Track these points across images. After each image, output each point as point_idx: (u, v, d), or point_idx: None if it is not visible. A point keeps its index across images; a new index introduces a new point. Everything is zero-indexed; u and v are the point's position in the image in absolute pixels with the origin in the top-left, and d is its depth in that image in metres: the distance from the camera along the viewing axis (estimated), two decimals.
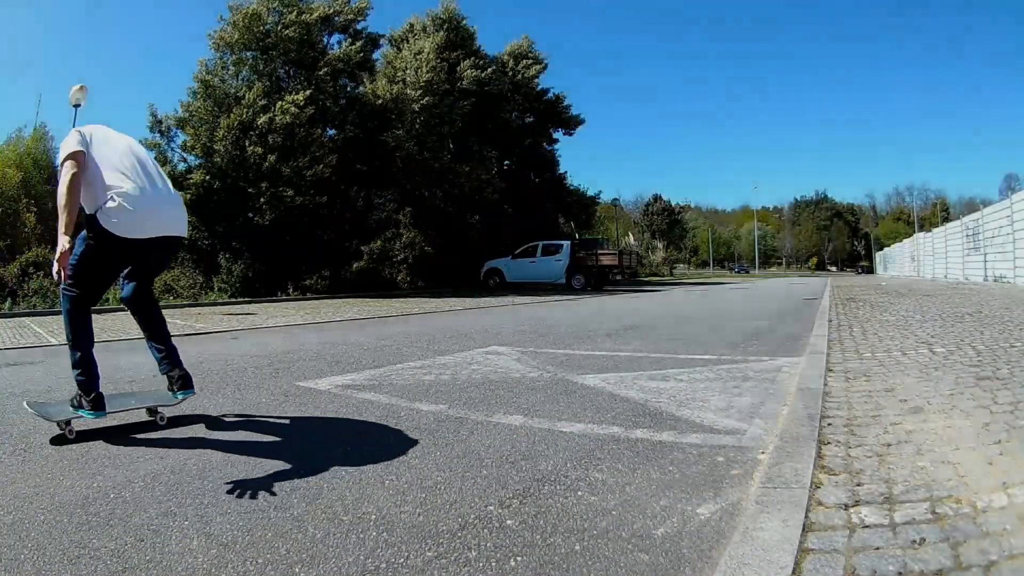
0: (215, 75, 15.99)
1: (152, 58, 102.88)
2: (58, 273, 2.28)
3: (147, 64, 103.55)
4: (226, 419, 2.65)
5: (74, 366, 2.38)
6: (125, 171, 2.36)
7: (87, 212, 2.34)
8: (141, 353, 4.97)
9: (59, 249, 2.21)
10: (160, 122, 15.73)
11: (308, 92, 15.18)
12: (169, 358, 2.57)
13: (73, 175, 2.25)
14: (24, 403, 2.59)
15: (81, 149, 2.33)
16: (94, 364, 2.40)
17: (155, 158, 13.79)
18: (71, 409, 2.40)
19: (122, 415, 2.59)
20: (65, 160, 2.28)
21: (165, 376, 2.58)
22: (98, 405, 2.36)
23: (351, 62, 16.75)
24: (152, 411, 2.61)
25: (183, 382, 2.52)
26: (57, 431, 2.35)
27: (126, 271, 2.70)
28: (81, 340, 2.40)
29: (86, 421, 2.46)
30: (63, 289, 2.40)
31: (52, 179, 19.92)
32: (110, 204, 2.26)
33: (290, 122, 14.65)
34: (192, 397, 2.63)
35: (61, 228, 2.20)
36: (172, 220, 2.48)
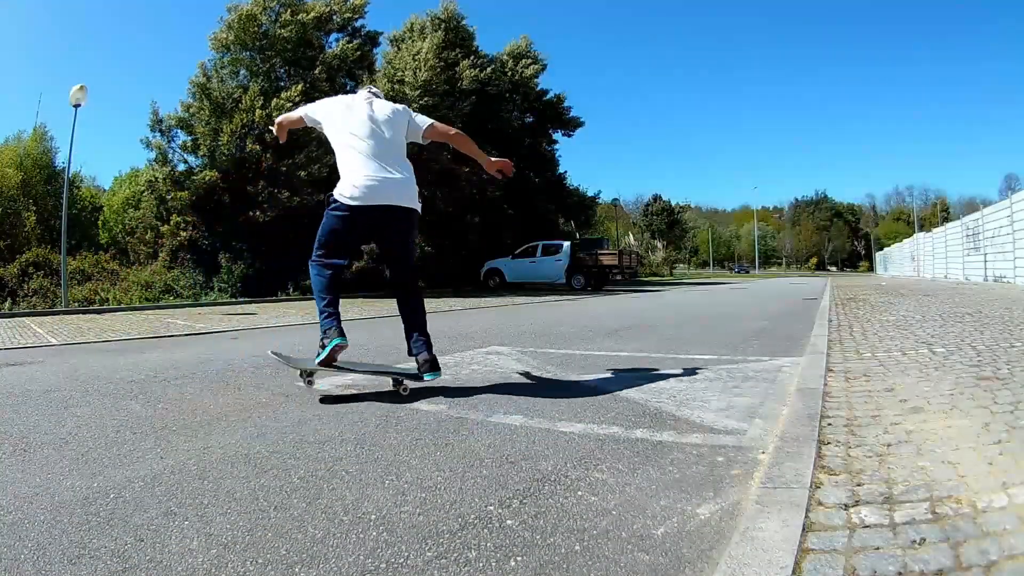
0: (214, 76, 16.00)
1: (156, 55, 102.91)
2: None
3: (148, 64, 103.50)
4: (226, 419, 2.65)
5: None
6: None
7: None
8: (143, 353, 4.97)
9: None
10: (161, 121, 15.74)
11: (302, 87, 15.18)
12: (423, 345, 3.02)
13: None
14: (269, 351, 3.30)
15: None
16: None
17: (156, 158, 13.70)
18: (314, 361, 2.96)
19: (366, 379, 3.27)
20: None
21: (414, 358, 3.02)
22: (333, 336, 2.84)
23: (348, 59, 16.73)
24: (397, 382, 3.02)
25: (430, 366, 2.95)
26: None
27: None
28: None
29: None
30: None
31: (52, 179, 19.93)
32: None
33: None
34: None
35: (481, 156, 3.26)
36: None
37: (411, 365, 3.12)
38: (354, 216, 2.94)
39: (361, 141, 3.00)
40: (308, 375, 3.04)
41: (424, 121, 3.16)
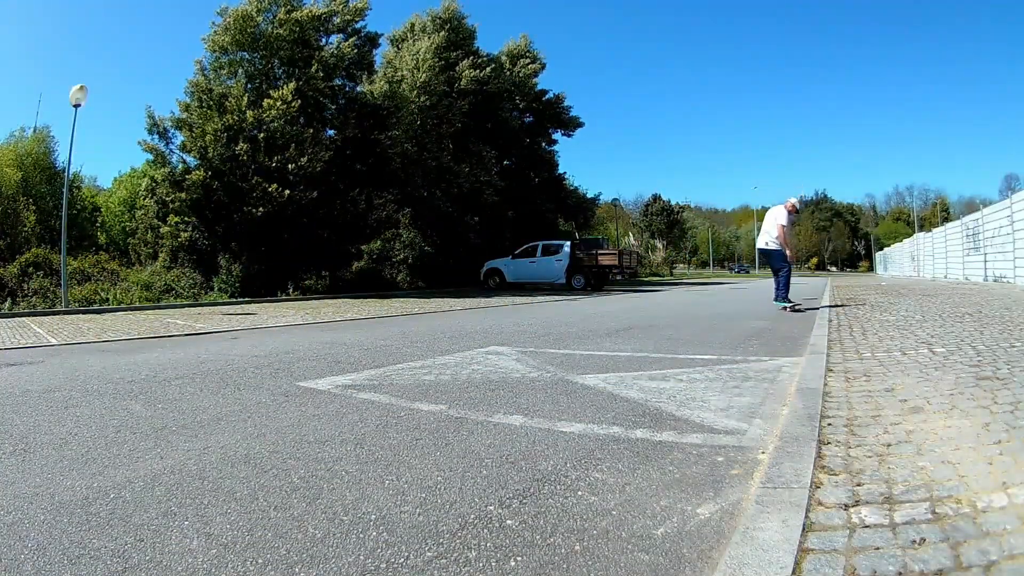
0: (210, 77, 16.00)
1: (155, 55, 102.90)
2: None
3: (148, 63, 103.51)
4: (226, 419, 2.65)
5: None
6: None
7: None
8: (143, 353, 4.97)
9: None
10: (157, 124, 15.73)
11: (294, 85, 15.20)
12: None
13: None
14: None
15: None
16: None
17: (154, 160, 13.90)
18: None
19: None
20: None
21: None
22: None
23: (345, 58, 16.71)
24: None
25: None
26: None
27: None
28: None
29: None
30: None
31: (52, 179, 19.94)
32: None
33: (277, 116, 14.68)
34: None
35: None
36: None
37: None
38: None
39: None
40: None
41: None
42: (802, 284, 21.04)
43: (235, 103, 14.89)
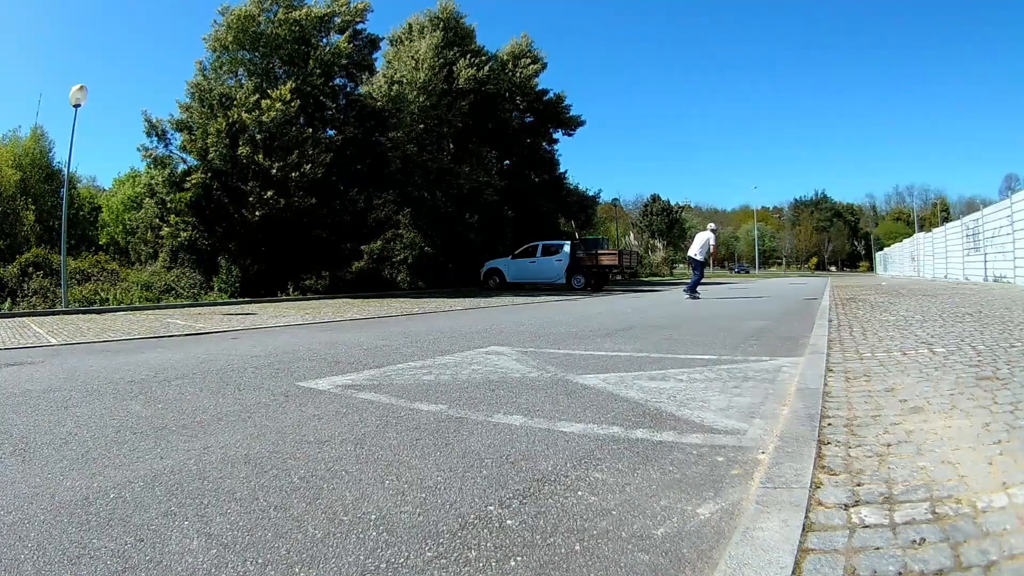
0: (211, 77, 16.00)
1: (155, 56, 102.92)
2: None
3: (148, 63, 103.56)
4: (226, 419, 2.65)
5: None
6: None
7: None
8: (143, 353, 4.97)
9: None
10: (155, 127, 15.70)
11: (291, 84, 15.20)
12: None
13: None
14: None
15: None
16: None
17: (151, 163, 14.13)
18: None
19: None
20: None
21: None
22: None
23: (342, 56, 16.70)
24: None
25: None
26: None
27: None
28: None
29: None
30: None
31: (49, 179, 19.94)
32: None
33: (276, 118, 14.67)
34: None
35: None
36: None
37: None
38: None
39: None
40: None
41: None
42: (802, 284, 21.04)
43: (238, 102, 14.90)
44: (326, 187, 15.89)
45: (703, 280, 12.42)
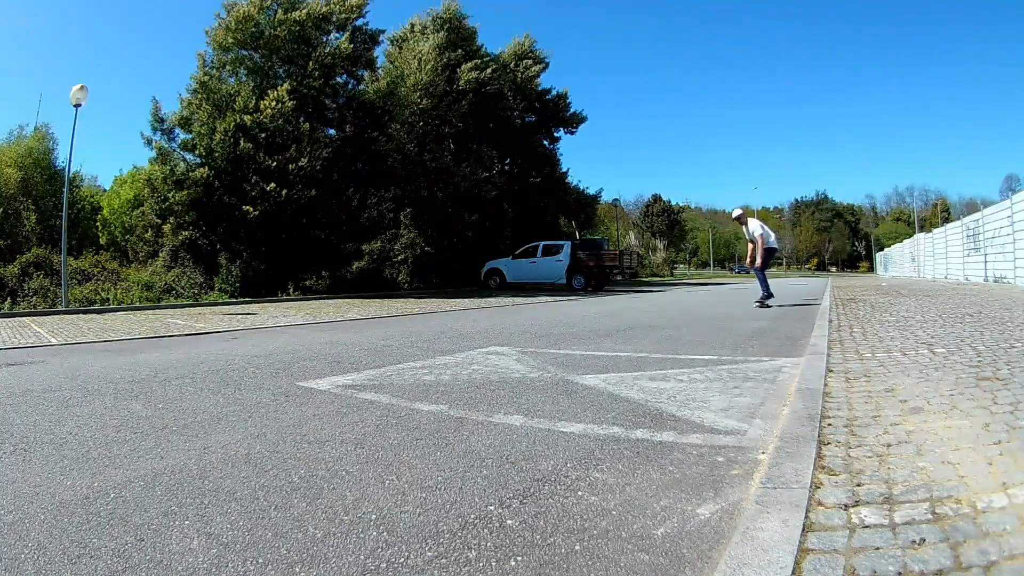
0: (213, 75, 16.02)
1: (155, 55, 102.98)
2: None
3: (149, 62, 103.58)
4: (226, 419, 2.65)
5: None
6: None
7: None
8: (143, 353, 4.97)
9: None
10: (162, 120, 15.74)
11: (289, 84, 15.25)
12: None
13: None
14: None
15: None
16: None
17: (156, 157, 14.01)
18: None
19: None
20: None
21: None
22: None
23: (341, 55, 16.71)
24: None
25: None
26: None
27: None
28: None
29: None
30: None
31: (52, 179, 19.95)
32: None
33: (274, 116, 14.71)
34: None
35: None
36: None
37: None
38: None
39: None
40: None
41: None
42: (803, 285, 21.04)
43: (238, 105, 14.94)
44: (326, 183, 15.92)
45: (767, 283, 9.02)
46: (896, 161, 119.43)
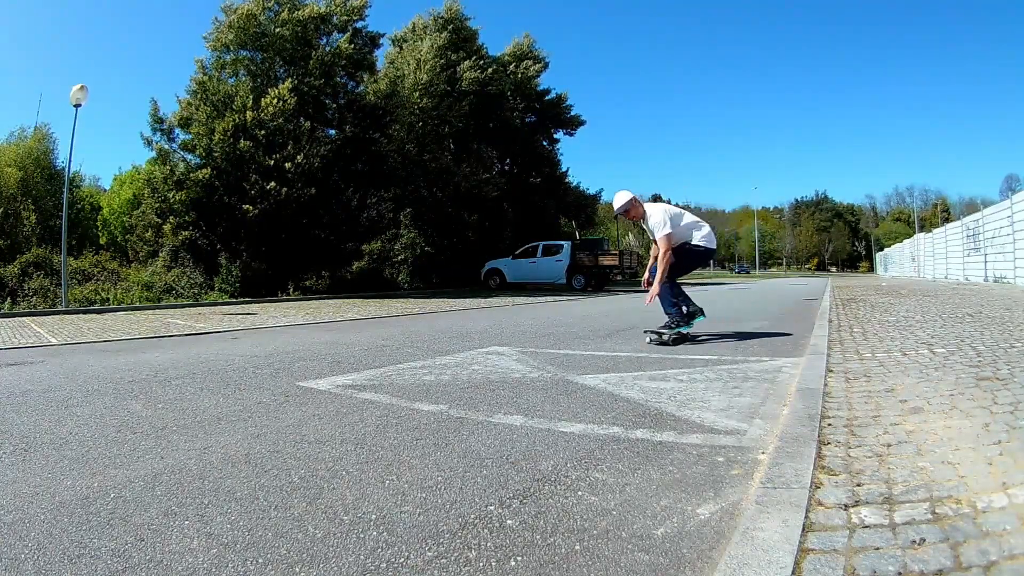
0: (212, 76, 16.02)
1: (155, 55, 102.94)
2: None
3: (149, 62, 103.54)
4: (226, 419, 2.65)
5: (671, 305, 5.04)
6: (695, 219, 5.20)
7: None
8: (143, 353, 4.97)
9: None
10: (162, 121, 15.75)
11: (289, 83, 15.26)
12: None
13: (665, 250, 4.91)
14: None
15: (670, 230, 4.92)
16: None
17: (156, 158, 13.94)
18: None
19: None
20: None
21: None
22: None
23: (342, 55, 16.72)
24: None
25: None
26: None
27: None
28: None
29: None
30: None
31: (52, 179, 19.94)
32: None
33: (276, 114, 14.73)
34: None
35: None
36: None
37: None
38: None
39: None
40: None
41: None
42: (803, 285, 21.04)
43: (240, 102, 14.95)
44: (326, 182, 15.93)
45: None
46: (896, 161, 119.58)
